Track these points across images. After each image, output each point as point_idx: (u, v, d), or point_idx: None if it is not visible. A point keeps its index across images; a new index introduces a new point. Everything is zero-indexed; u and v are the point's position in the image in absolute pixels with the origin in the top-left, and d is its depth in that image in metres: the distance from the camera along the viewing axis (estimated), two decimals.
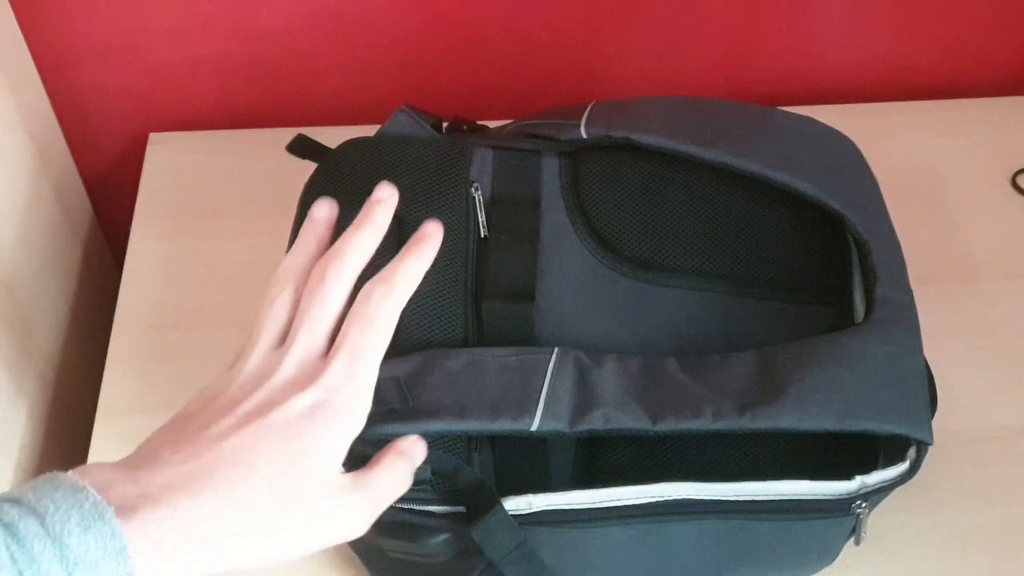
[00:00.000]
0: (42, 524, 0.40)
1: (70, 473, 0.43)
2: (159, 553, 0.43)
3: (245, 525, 0.45)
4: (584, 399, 0.60)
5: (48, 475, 0.43)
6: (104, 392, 0.77)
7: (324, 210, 0.56)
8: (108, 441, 0.75)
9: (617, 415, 0.59)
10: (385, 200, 0.54)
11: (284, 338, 0.50)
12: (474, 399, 0.59)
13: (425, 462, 0.56)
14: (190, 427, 0.48)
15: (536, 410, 0.59)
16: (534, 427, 0.59)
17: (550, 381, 0.60)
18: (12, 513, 0.41)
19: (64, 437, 0.86)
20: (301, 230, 0.56)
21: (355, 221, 0.53)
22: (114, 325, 0.81)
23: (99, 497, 0.42)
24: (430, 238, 0.53)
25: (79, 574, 0.40)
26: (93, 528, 0.41)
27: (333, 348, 0.49)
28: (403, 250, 0.52)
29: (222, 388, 0.50)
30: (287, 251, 0.68)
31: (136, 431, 0.75)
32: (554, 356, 0.62)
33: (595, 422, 0.59)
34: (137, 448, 0.48)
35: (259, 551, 0.46)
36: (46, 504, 0.41)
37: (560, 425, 0.59)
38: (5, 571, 0.39)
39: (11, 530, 0.40)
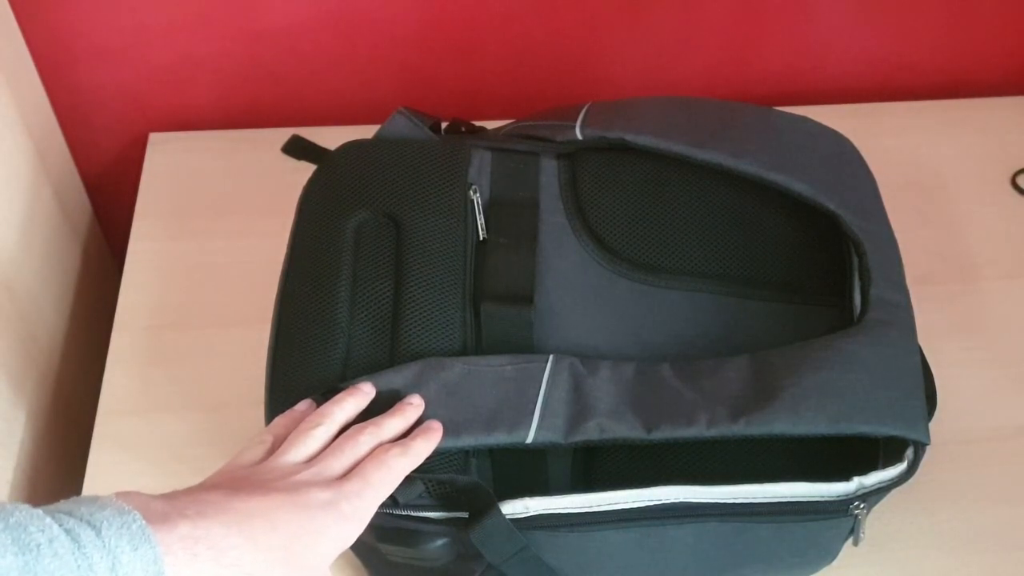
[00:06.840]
0: (99, 536, 0.43)
1: (111, 496, 0.47)
2: (193, 570, 0.46)
3: (262, 570, 0.49)
4: (579, 409, 0.60)
5: (88, 496, 0.46)
6: (104, 392, 0.77)
7: (369, 392, 0.62)
8: (108, 441, 0.75)
9: (612, 425, 0.59)
10: (416, 405, 0.61)
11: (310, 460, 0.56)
12: (469, 414, 0.60)
13: (414, 479, 0.58)
14: (219, 488, 0.52)
15: (531, 422, 0.59)
16: (529, 439, 0.59)
17: (545, 392, 0.60)
18: (71, 522, 0.43)
19: (64, 437, 0.86)
20: (346, 395, 0.60)
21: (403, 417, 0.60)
22: (114, 325, 0.81)
23: (144, 522, 0.45)
24: (436, 431, 0.60)
25: None
26: (140, 549, 0.44)
27: (350, 474, 0.56)
28: (418, 430, 0.59)
29: (247, 470, 0.55)
30: (286, 253, 0.69)
31: (136, 431, 0.76)
32: (549, 365, 0.62)
33: (590, 432, 0.59)
34: (166, 494, 0.51)
35: None
36: (99, 519, 0.44)
37: (555, 436, 0.59)
38: (70, 573, 0.42)
39: (73, 536, 0.43)
